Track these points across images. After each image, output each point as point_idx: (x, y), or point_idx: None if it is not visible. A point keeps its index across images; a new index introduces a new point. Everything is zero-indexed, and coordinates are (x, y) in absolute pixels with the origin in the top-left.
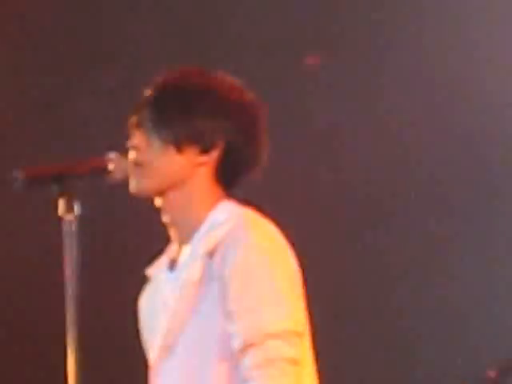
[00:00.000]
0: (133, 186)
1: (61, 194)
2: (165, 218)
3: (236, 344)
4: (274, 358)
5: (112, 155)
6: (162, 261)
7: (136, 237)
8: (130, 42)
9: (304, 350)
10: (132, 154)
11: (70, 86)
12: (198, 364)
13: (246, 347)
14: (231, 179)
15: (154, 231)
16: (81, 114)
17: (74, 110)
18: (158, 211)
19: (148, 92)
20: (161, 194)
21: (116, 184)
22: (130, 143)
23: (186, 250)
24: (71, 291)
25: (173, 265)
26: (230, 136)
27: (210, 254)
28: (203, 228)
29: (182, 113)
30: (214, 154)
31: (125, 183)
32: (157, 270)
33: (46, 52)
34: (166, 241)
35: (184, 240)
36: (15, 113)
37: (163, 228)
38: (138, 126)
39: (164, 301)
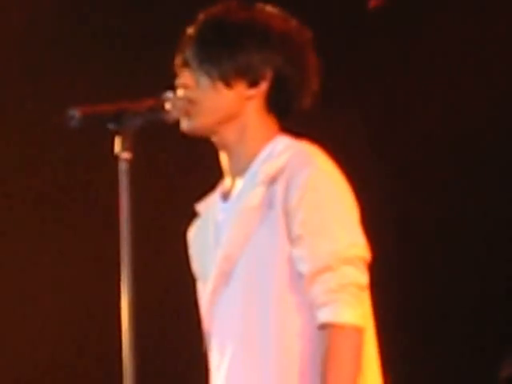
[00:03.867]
0: (185, 124)
1: (117, 133)
2: (220, 154)
3: (306, 268)
4: (348, 283)
5: (169, 94)
6: (213, 196)
7: (188, 175)
8: None
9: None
10: (181, 92)
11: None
12: (258, 289)
13: (319, 271)
14: (283, 109)
15: (204, 169)
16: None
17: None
18: (206, 151)
19: (191, 29)
20: (214, 130)
21: (170, 124)
22: (177, 82)
23: (241, 181)
24: (126, 232)
25: (226, 197)
26: (277, 66)
27: (272, 181)
28: (260, 158)
29: (227, 48)
30: (263, 86)
31: (178, 124)
32: (207, 205)
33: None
34: (217, 179)
35: (239, 173)
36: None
37: (214, 166)
38: (185, 64)
39: (218, 230)
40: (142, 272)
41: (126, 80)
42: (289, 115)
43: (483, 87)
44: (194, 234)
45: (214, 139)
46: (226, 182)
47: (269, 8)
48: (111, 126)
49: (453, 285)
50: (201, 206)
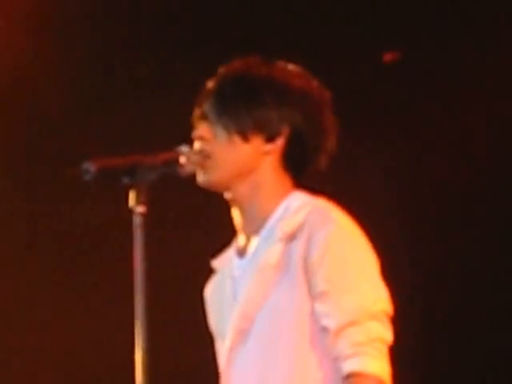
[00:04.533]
0: (201, 177)
1: (132, 187)
2: (233, 210)
3: (332, 323)
4: (374, 338)
5: (184, 148)
6: (228, 253)
7: (202, 231)
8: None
9: None
10: (197, 144)
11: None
12: (274, 348)
13: (346, 326)
14: (299, 167)
15: (219, 226)
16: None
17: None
18: (221, 205)
19: (211, 83)
20: (229, 185)
21: (183, 179)
22: (194, 135)
23: (255, 240)
24: (139, 285)
25: (242, 254)
26: (294, 123)
27: (290, 238)
28: (276, 214)
29: (246, 102)
30: (280, 142)
31: (193, 178)
32: (222, 261)
33: (115, 51)
34: (231, 236)
35: (253, 230)
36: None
37: (228, 223)
38: (203, 117)
39: (235, 287)
40: (156, 327)
41: (141, 133)
42: (304, 174)
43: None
44: (211, 290)
45: (228, 195)
46: (240, 239)
47: (290, 66)
48: (126, 180)
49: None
50: (217, 263)
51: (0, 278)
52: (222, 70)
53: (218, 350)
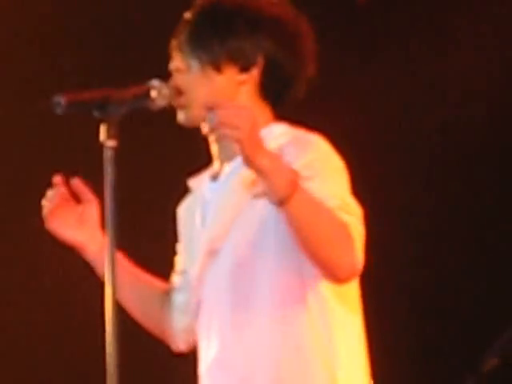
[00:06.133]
0: (181, 117)
1: (102, 120)
2: (210, 140)
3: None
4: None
5: (154, 82)
6: (204, 175)
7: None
8: None
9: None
10: (174, 79)
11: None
12: (247, 262)
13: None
14: (277, 96)
15: (192, 160)
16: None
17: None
18: (194, 138)
19: (188, 14)
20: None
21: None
22: (171, 66)
23: (229, 165)
24: (109, 218)
25: (215, 178)
26: (269, 52)
27: None
28: None
29: (218, 32)
30: (255, 72)
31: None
32: (198, 182)
33: None
34: (206, 165)
35: (229, 157)
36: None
37: (202, 153)
38: (179, 49)
39: (204, 210)
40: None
41: (114, 67)
42: (283, 103)
43: None
44: (183, 209)
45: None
46: (215, 164)
47: None
48: (96, 114)
49: None
50: (192, 182)
51: None
52: (198, 0)
53: (178, 262)
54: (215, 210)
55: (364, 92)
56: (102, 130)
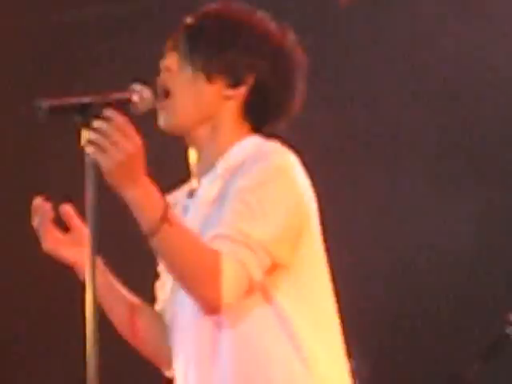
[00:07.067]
0: (161, 121)
1: (84, 125)
2: (190, 152)
3: (213, 232)
4: (241, 260)
5: (136, 86)
6: (182, 190)
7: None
8: None
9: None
10: (162, 77)
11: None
12: None
13: (221, 236)
14: (258, 120)
15: (172, 163)
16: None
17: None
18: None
19: (190, 18)
20: (189, 129)
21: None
22: (161, 64)
23: (203, 180)
24: (91, 224)
25: (192, 194)
26: (262, 75)
27: (230, 174)
28: (225, 157)
29: (217, 43)
30: (242, 90)
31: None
32: (175, 198)
33: None
34: (187, 174)
35: (204, 172)
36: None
37: (182, 162)
38: (174, 48)
39: None
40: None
41: (96, 72)
42: (264, 126)
43: None
44: None
45: (187, 137)
46: (194, 181)
47: (273, 21)
48: (78, 119)
49: None
50: (170, 198)
51: None
52: (203, 8)
53: (156, 288)
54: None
55: None
56: (83, 135)
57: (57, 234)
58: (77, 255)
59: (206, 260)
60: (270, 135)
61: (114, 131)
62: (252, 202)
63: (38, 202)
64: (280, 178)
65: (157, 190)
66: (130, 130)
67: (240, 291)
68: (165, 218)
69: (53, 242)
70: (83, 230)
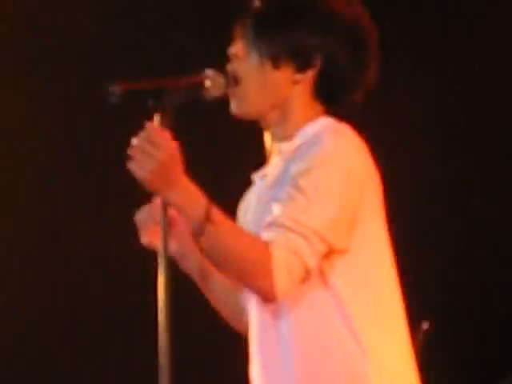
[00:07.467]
0: (234, 107)
1: (156, 109)
2: (265, 135)
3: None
4: (295, 250)
5: (209, 72)
6: (261, 171)
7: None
8: None
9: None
10: (231, 65)
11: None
12: None
13: (275, 224)
14: (331, 99)
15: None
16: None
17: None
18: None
19: (255, 3)
20: (260, 114)
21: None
22: (230, 50)
23: (273, 161)
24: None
25: (264, 176)
26: (331, 54)
27: (291, 156)
28: (294, 139)
29: (282, 27)
30: (310, 73)
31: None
32: (257, 178)
33: None
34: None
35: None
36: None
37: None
38: (241, 35)
39: (247, 207)
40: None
41: (169, 57)
42: (338, 105)
43: None
44: (243, 203)
45: (260, 121)
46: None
47: None
48: (151, 103)
49: None
50: (255, 176)
51: None
52: None
53: None
54: (253, 207)
55: None
56: (156, 119)
57: (155, 227)
58: (172, 247)
59: (255, 254)
60: (344, 117)
61: (144, 142)
62: (306, 187)
63: (157, 202)
64: (334, 162)
65: (198, 190)
66: (160, 138)
67: (294, 280)
68: (208, 218)
69: (152, 235)
70: (179, 221)
